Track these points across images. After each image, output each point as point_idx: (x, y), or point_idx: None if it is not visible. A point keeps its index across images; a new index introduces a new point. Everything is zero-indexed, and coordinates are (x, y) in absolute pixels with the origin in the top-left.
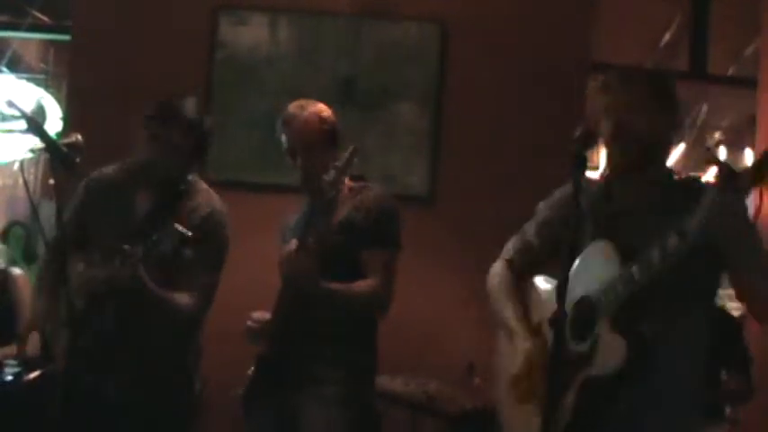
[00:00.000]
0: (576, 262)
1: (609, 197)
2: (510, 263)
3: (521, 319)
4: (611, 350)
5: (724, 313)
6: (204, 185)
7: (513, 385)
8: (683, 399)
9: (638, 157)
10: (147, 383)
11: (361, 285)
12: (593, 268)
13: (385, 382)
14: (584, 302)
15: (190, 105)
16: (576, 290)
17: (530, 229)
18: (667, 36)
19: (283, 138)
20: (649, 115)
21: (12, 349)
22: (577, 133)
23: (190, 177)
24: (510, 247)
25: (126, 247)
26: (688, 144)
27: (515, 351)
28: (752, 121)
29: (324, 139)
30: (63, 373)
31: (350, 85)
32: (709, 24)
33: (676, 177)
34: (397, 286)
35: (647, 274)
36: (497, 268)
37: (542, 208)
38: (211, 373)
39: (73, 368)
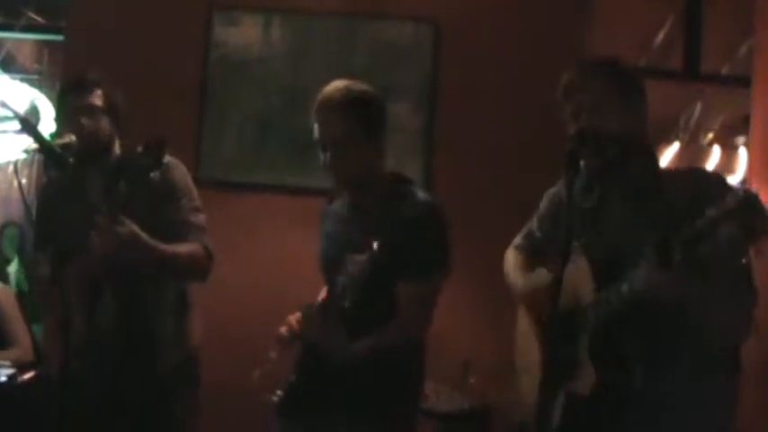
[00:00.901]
0: (569, 266)
1: (590, 191)
2: (518, 248)
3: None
4: (586, 371)
5: None
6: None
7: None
8: (681, 419)
9: (613, 156)
10: (146, 381)
11: (390, 335)
12: (579, 280)
13: None
14: (568, 314)
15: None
16: (568, 294)
17: (534, 220)
18: (661, 35)
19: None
20: (616, 111)
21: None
22: (573, 131)
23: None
24: (519, 236)
25: (103, 211)
26: (682, 143)
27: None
28: (746, 121)
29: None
30: (59, 374)
31: None
32: (702, 24)
33: (659, 169)
34: None
35: (612, 307)
36: (509, 254)
37: (543, 200)
38: (209, 374)
39: (70, 369)
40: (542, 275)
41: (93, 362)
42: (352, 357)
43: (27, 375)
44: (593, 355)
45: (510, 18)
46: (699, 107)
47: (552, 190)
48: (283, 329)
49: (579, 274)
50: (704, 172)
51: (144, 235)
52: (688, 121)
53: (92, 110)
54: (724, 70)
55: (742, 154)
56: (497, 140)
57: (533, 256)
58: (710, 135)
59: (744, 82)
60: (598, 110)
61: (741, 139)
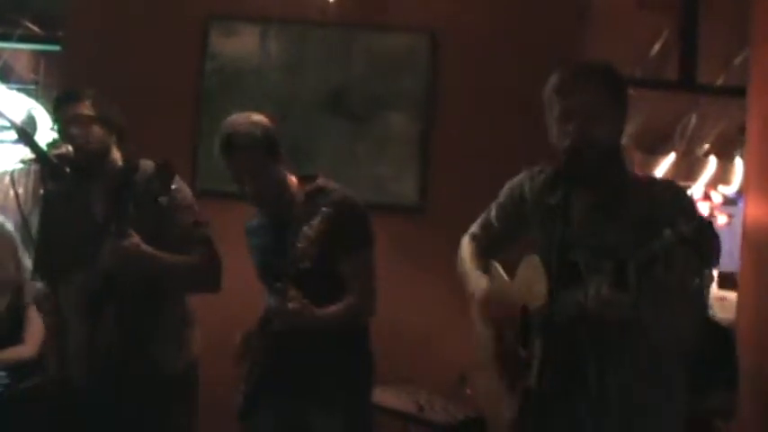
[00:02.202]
0: (522, 265)
1: (555, 187)
2: (474, 237)
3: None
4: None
5: (714, 324)
6: (147, 162)
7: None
8: (638, 410)
9: (595, 163)
10: (146, 390)
11: (348, 305)
12: (532, 277)
13: (376, 392)
14: (525, 312)
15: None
16: (521, 291)
17: (492, 209)
18: (657, 46)
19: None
20: (609, 118)
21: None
22: (566, 143)
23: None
24: (476, 224)
25: (112, 227)
26: (678, 154)
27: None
28: (741, 131)
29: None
30: (59, 380)
31: (340, 96)
32: (698, 34)
33: (632, 179)
34: (387, 295)
35: (567, 313)
36: (464, 242)
37: (504, 189)
38: (208, 383)
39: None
40: (484, 281)
41: (92, 370)
42: (323, 319)
43: (25, 384)
44: (549, 355)
45: (506, 28)
46: (694, 118)
47: (514, 181)
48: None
49: (532, 271)
50: (676, 189)
51: (149, 248)
52: (684, 132)
53: (80, 120)
54: (720, 81)
55: (738, 164)
56: (494, 150)
57: (488, 248)
58: (706, 145)
59: (739, 93)
60: (590, 114)
61: (737, 150)
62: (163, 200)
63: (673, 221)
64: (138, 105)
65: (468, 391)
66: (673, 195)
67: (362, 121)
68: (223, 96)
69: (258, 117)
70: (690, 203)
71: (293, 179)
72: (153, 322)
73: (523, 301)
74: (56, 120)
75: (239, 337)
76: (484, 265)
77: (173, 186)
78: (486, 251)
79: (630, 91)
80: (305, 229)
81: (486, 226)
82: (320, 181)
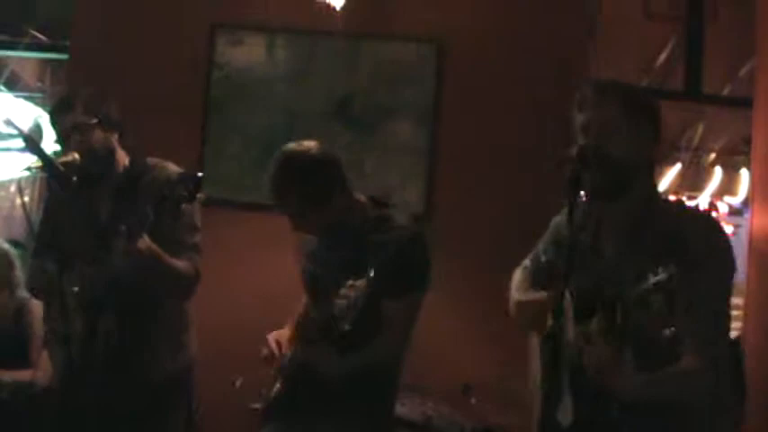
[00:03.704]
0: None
1: (586, 221)
2: (525, 270)
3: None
4: (567, 403)
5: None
6: (155, 160)
7: None
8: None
9: (613, 183)
10: (142, 393)
11: (378, 350)
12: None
13: None
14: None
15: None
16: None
17: (540, 243)
18: (663, 56)
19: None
20: (625, 136)
21: (27, 374)
22: (572, 153)
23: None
24: (528, 258)
25: (122, 227)
26: (683, 164)
27: None
28: (747, 142)
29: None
30: (62, 387)
31: (347, 105)
32: (704, 45)
33: (660, 203)
34: None
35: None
36: (515, 274)
37: (549, 227)
38: (209, 390)
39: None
40: (539, 294)
41: (90, 372)
42: (342, 372)
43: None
44: (573, 387)
45: (513, 37)
46: (700, 128)
47: (556, 218)
48: (266, 350)
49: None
50: (695, 221)
51: (158, 249)
52: (690, 142)
53: (79, 128)
54: (726, 91)
55: (744, 175)
56: (499, 160)
57: (537, 281)
58: (712, 156)
59: (745, 103)
60: (606, 130)
61: (742, 160)
62: (186, 207)
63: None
64: (144, 114)
65: (473, 401)
66: (703, 229)
67: (369, 130)
68: (230, 105)
69: (303, 152)
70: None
71: (359, 199)
72: (151, 324)
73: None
74: (56, 132)
75: (272, 340)
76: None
77: (197, 196)
78: (535, 282)
79: None
80: (345, 290)
81: (535, 259)
82: (390, 211)
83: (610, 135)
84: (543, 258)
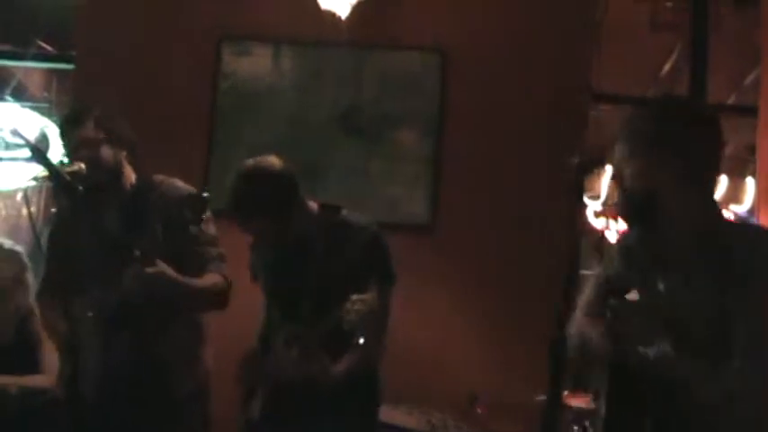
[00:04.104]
0: None
1: (627, 255)
2: (584, 309)
3: None
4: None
5: None
6: (161, 177)
7: None
8: None
9: (638, 212)
10: (158, 408)
11: (367, 348)
12: None
13: (387, 411)
14: None
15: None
16: None
17: (594, 277)
18: (667, 66)
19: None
20: (646, 166)
21: (36, 379)
22: (575, 161)
23: (139, 177)
24: (581, 298)
25: (136, 251)
26: None
27: None
28: (752, 150)
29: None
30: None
31: (352, 115)
32: (708, 53)
33: (697, 230)
34: (398, 314)
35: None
36: (576, 319)
37: (612, 252)
38: (220, 401)
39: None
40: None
41: (105, 388)
42: (338, 379)
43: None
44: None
45: (516, 47)
46: None
47: (621, 242)
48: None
49: None
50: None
51: (173, 272)
52: None
53: (88, 143)
54: (730, 100)
55: (749, 183)
56: (504, 169)
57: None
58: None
59: (750, 111)
60: (629, 158)
61: (748, 169)
62: (194, 229)
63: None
64: (150, 125)
65: (479, 410)
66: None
67: (374, 139)
68: (236, 116)
69: (267, 167)
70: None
71: (313, 206)
72: (166, 340)
73: None
74: (64, 144)
75: (242, 359)
76: None
77: (203, 216)
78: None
79: None
80: (351, 304)
81: (596, 288)
82: (345, 214)
83: (630, 163)
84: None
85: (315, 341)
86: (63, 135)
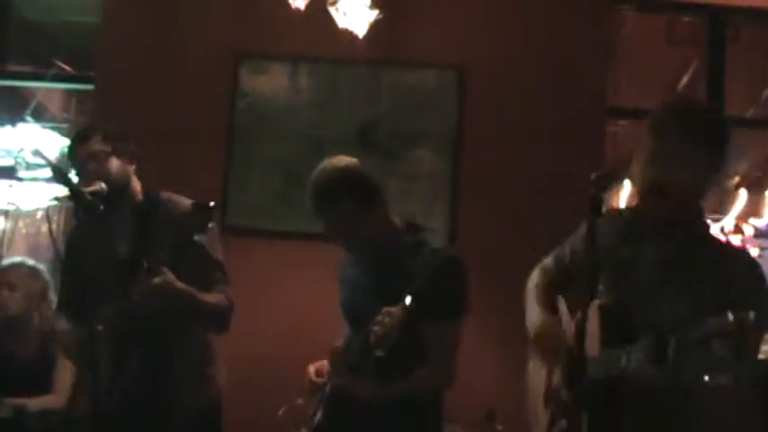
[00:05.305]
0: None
1: (627, 238)
2: (544, 269)
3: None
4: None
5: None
6: (168, 194)
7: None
8: None
9: (672, 214)
10: (169, 422)
11: (421, 378)
12: (591, 327)
13: None
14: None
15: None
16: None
17: (565, 247)
18: (685, 79)
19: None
20: (691, 168)
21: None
22: (595, 175)
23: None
24: (549, 256)
25: (144, 263)
26: None
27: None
28: None
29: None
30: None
31: (369, 132)
32: (725, 67)
33: (709, 235)
34: None
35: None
36: (534, 273)
37: (580, 229)
38: (234, 421)
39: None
40: (542, 316)
41: (117, 405)
42: (382, 399)
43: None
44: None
45: (533, 63)
46: None
47: (583, 227)
48: (311, 377)
49: (592, 319)
50: (750, 266)
51: (182, 285)
52: None
53: (96, 156)
54: (749, 113)
55: None
56: (522, 186)
57: (557, 284)
58: (736, 178)
59: None
60: (671, 160)
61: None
62: (199, 238)
63: (736, 306)
64: (169, 143)
65: (500, 427)
66: (749, 272)
67: (391, 157)
68: (254, 133)
69: (345, 161)
70: (761, 287)
71: (396, 223)
72: (176, 357)
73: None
74: (73, 161)
75: (311, 371)
76: (549, 298)
77: (209, 225)
78: (555, 286)
79: None
80: (380, 317)
81: (558, 261)
82: (425, 235)
83: (674, 166)
84: (567, 261)
85: (352, 357)
86: (71, 152)
